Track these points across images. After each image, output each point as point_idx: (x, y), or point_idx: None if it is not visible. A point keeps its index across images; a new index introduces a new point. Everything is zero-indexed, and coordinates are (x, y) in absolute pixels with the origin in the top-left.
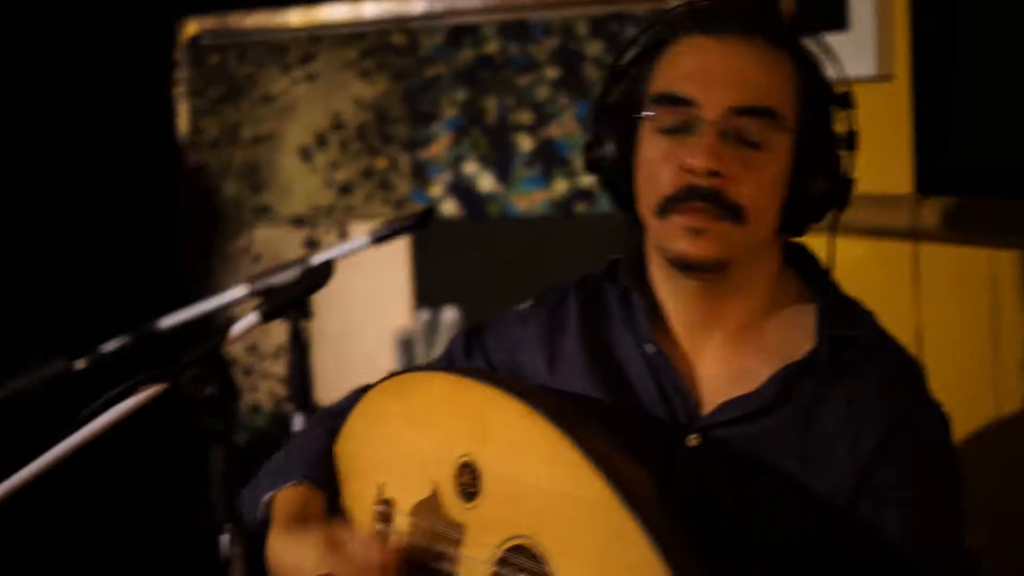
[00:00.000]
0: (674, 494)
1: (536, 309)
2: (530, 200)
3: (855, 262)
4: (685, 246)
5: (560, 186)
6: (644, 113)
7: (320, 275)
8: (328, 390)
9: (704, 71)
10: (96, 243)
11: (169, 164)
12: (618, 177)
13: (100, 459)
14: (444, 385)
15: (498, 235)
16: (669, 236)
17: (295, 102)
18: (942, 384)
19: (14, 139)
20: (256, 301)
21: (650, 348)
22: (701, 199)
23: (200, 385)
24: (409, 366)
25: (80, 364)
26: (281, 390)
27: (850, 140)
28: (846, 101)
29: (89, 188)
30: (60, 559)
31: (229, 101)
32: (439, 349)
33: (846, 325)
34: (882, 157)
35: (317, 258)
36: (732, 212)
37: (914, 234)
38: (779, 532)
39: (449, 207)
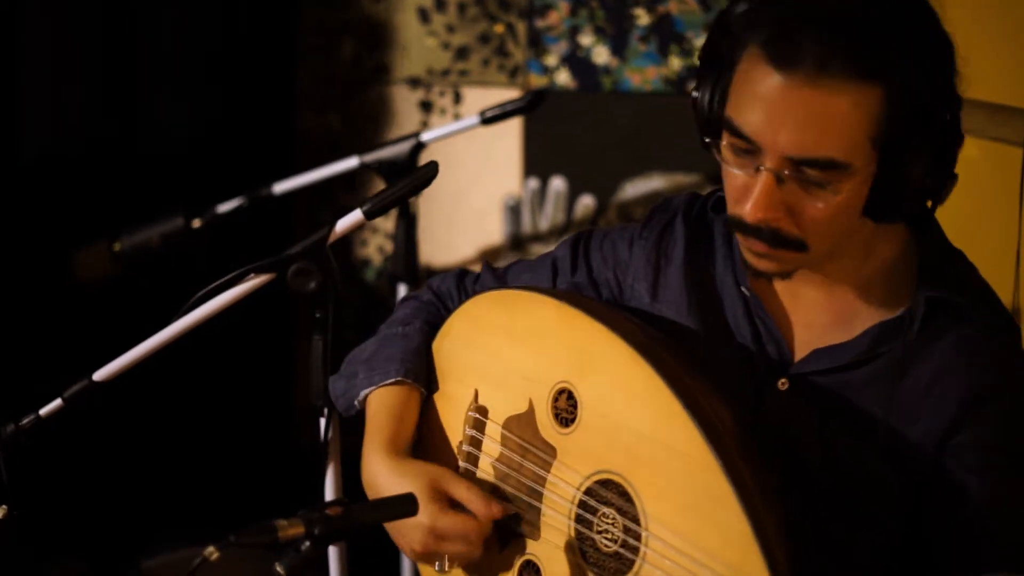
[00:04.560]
0: (759, 434)
1: (645, 232)
2: (644, 75)
3: (968, 161)
4: (752, 260)
5: (675, 63)
6: (718, 141)
7: (424, 176)
8: (435, 249)
9: (767, 111)
10: (213, 103)
11: (289, 21)
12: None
13: (215, 339)
14: (553, 311)
15: (610, 108)
16: (740, 243)
17: None
18: None
19: None
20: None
21: (747, 291)
22: (757, 236)
23: (304, 278)
24: (515, 233)
25: (196, 223)
26: (389, 246)
27: (952, 141)
28: (946, 111)
29: (208, 45)
30: (170, 435)
31: None
32: (545, 218)
33: (943, 284)
34: (1002, 66)
35: (427, 135)
36: (792, 244)
37: None
38: (857, 482)
39: (563, 78)
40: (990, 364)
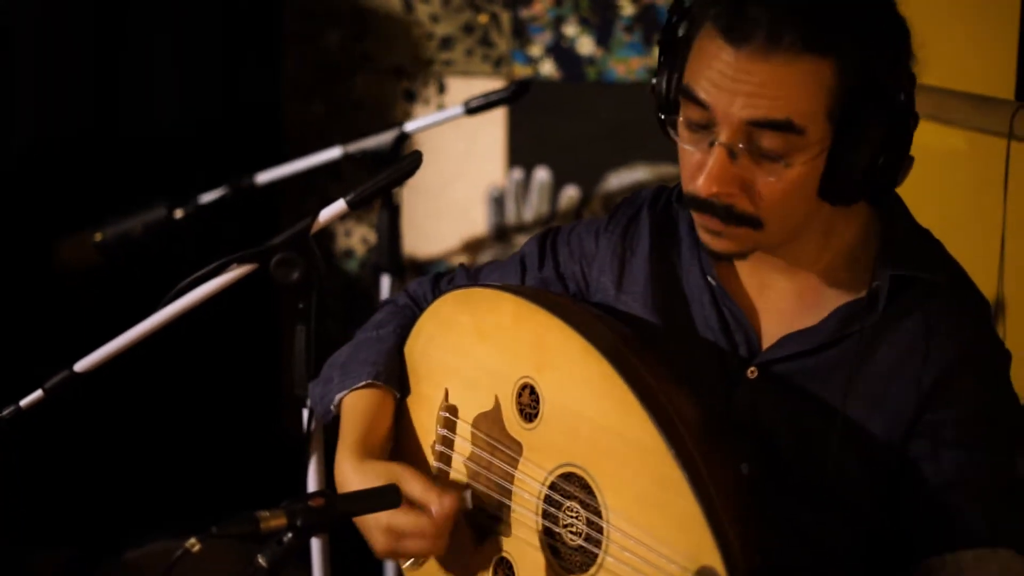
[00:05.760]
0: (730, 425)
1: (611, 225)
2: (628, 66)
3: (954, 152)
4: (707, 240)
5: None
6: (674, 117)
7: (408, 166)
8: (418, 240)
9: (722, 83)
10: (198, 92)
11: (274, 10)
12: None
13: (200, 328)
14: (511, 307)
15: (594, 99)
16: (696, 223)
17: None
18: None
19: None
20: (350, 163)
21: (713, 280)
22: (711, 212)
23: (287, 268)
24: (499, 224)
25: (179, 213)
26: (372, 237)
27: (906, 120)
28: (901, 88)
29: (193, 34)
30: (155, 426)
31: None
32: (530, 209)
33: (909, 263)
34: (987, 58)
35: (410, 125)
36: (746, 221)
37: (1009, 136)
38: (829, 468)
39: (547, 68)
40: (959, 339)
